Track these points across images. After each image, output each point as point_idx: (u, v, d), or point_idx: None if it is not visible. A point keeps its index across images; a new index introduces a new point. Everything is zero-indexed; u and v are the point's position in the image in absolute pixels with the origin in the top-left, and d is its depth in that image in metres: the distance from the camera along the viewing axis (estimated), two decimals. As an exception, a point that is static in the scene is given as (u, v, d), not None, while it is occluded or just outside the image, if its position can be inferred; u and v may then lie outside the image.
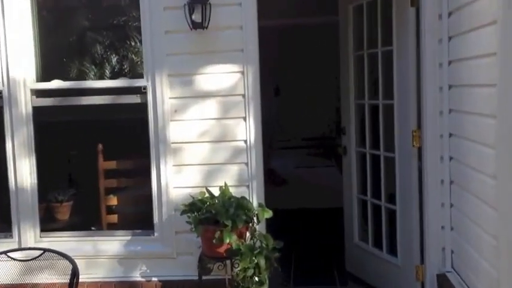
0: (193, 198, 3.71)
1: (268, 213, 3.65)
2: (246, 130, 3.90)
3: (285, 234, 3.96)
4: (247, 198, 3.81)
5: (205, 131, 3.93)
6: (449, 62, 3.72)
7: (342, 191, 4.99)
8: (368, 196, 4.54)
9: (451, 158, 3.75)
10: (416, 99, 3.97)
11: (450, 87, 3.73)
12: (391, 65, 4.20)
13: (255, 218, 3.64)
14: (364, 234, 4.67)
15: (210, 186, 3.83)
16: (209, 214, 3.56)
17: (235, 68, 3.88)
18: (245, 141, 3.91)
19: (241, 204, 3.60)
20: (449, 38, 3.68)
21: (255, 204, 3.79)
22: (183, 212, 3.66)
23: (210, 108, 3.92)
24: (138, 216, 4.50)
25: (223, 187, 3.73)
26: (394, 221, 4.23)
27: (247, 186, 3.93)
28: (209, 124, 3.92)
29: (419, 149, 3.97)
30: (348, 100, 4.77)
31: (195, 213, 3.63)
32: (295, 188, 8.48)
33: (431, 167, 3.83)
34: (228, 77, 3.89)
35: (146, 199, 4.07)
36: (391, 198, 4.30)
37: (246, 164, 3.92)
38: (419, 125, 3.96)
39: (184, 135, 3.96)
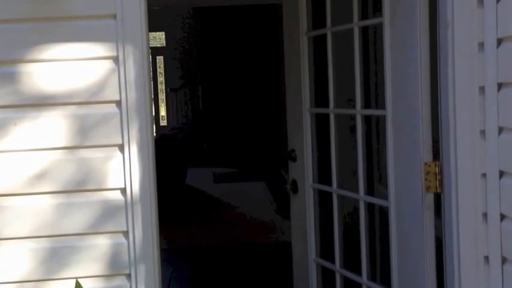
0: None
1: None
2: (124, 170, 2.03)
3: None
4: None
5: (43, 173, 2.01)
6: (499, 41, 2.03)
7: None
8: (336, 274, 2.80)
9: (502, 217, 2.06)
10: (431, 107, 2.26)
11: (501, 86, 2.04)
12: (379, 48, 2.48)
13: None
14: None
15: (52, 280, 1.98)
16: None
17: (101, 50, 2.00)
18: (123, 191, 2.05)
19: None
20: (499, -2, 2.00)
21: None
22: None
23: (52, 128, 2.01)
24: None
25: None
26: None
27: (128, 277, 2.06)
28: (50, 159, 2.02)
29: (438, 197, 2.26)
30: (298, 108, 3.00)
31: None
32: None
33: (466, 232, 2.11)
34: (87, 68, 2.01)
35: None
36: (383, 281, 2.56)
37: (125, 234, 2.05)
38: (436, 154, 2.25)
39: None
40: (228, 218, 6.92)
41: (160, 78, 14.95)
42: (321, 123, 2.98)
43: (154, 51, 15.24)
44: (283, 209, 6.76)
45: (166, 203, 7.36)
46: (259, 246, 5.81)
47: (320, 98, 2.97)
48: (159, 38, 15.06)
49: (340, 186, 2.83)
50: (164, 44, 14.42)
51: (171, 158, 7.32)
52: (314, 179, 3.00)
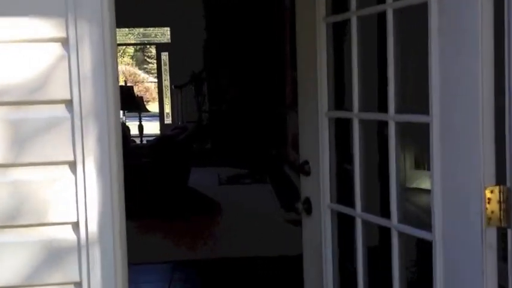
0: None
1: None
2: (76, 197, 1.47)
3: None
4: None
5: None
6: None
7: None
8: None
9: None
10: (494, 112, 1.69)
11: None
12: (422, 36, 1.91)
13: None
14: None
15: None
16: None
17: (43, 28, 1.45)
18: (75, 227, 1.48)
19: None
20: None
21: None
22: None
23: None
24: None
25: None
26: None
27: None
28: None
29: (503, 235, 1.69)
30: (312, 111, 2.44)
31: None
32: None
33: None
34: (24, 54, 1.45)
35: None
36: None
37: (78, 286, 1.49)
38: (502, 178, 1.68)
39: None
40: (230, 225, 6.36)
41: (165, 75, 14.40)
42: (341, 130, 2.41)
43: (160, 48, 14.71)
44: (293, 215, 6.23)
45: (166, 208, 6.85)
46: (265, 261, 5.25)
47: (341, 98, 2.41)
48: (164, 34, 14.51)
49: (365, 209, 2.27)
50: (169, 40, 13.86)
51: (171, 159, 6.78)
52: (332, 198, 2.43)
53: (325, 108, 2.38)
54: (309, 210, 2.54)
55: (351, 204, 2.30)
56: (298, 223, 5.85)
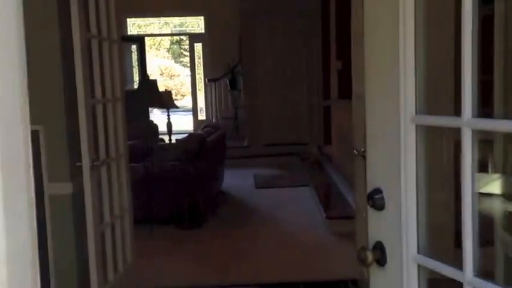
0: None
1: None
2: None
3: None
4: None
5: None
6: None
7: None
8: None
9: None
10: None
11: None
12: None
13: None
14: None
15: None
16: None
17: None
18: None
19: None
20: None
21: None
22: None
23: None
24: None
25: None
26: None
27: None
28: None
29: None
30: (388, 114, 1.61)
31: None
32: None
33: None
34: None
35: None
36: None
37: None
38: None
39: None
40: (267, 239, 5.56)
41: (199, 68, 13.66)
42: (436, 144, 1.57)
43: (193, 38, 13.97)
44: (339, 226, 5.42)
45: (193, 217, 6.10)
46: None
47: (435, 97, 1.57)
48: (197, 24, 13.75)
49: (479, 272, 1.42)
50: (203, 30, 13.11)
51: (200, 161, 6.01)
52: (420, 248, 1.59)
53: (412, 111, 1.54)
54: (382, 260, 1.71)
55: (456, 261, 1.46)
56: (345, 236, 4.93)
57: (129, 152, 7.97)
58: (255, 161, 10.02)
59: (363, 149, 3.41)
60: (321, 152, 9.18)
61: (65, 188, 3.44)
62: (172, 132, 8.69)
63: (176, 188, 5.94)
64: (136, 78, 12.74)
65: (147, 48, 13.50)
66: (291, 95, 10.46)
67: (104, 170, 3.50)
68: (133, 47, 12.83)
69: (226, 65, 12.14)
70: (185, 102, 14.78)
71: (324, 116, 9.20)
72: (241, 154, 10.22)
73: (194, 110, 13.90)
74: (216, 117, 12.49)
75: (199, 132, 6.48)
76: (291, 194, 7.57)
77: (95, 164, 3.24)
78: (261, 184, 8.16)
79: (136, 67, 12.82)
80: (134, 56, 12.84)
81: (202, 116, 13.74)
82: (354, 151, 3.78)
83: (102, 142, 3.51)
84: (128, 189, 3.89)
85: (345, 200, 6.16)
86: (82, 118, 3.17)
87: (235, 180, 8.44)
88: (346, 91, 8.42)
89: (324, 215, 5.66)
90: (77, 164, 3.29)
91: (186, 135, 7.42)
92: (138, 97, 5.63)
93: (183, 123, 14.28)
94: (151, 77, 13.45)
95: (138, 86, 5.73)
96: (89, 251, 3.18)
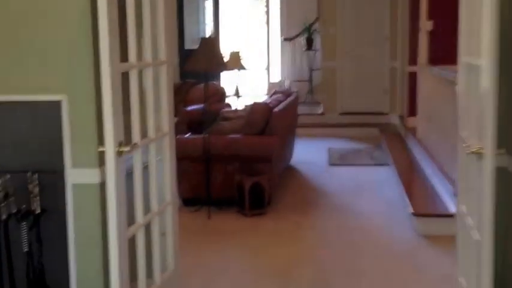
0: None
1: None
2: None
3: None
4: None
5: None
6: None
7: None
8: None
9: None
10: None
11: None
12: None
13: None
14: None
15: None
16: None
17: None
18: None
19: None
20: None
21: None
22: None
23: None
24: None
25: None
26: None
27: None
28: None
29: None
30: None
31: None
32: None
33: None
34: None
35: None
36: None
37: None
38: None
39: None
40: (337, 238, 4.72)
41: (273, 25, 12.68)
42: None
43: (269, -6, 12.98)
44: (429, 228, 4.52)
45: (254, 199, 5.31)
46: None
47: None
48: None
49: None
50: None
51: (264, 137, 5.21)
52: None
53: None
54: None
55: None
56: (438, 241, 4.02)
57: (189, 120, 7.32)
58: (330, 131, 9.11)
59: (478, 147, 2.49)
60: (403, 125, 8.16)
61: (92, 176, 2.71)
62: (242, 95, 7.92)
63: (237, 167, 5.17)
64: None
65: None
66: (371, 59, 9.41)
67: (138, 154, 2.74)
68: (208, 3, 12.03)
69: (302, 23, 11.15)
70: (257, 62, 13.95)
71: (409, 83, 8.11)
72: (315, 122, 9.33)
73: (268, 71, 13.02)
74: (291, 80, 11.59)
75: (266, 100, 5.62)
76: (369, 174, 6.65)
77: (121, 150, 2.47)
78: (335, 160, 7.28)
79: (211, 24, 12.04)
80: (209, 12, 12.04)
81: (276, 78, 12.86)
82: (463, 145, 2.85)
83: (137, 119, 2.74)
84: (172, 175, 3.13)
85: (433, 190, 5.18)
86: (107, 87, 2.40)
87: (307, 154, 7.60)
88: (437, 56, 7.34)
89: (410, 210, 4.71)
90: (99, 149, 2.54)
91: (250, 104, 6.61)
92: (196, 59, 4.83)
93: (254, 86, 13.43)
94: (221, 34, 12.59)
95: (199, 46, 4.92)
96: (111, 265, 2.45)
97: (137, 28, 2.70)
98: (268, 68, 13.11)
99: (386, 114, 9.41)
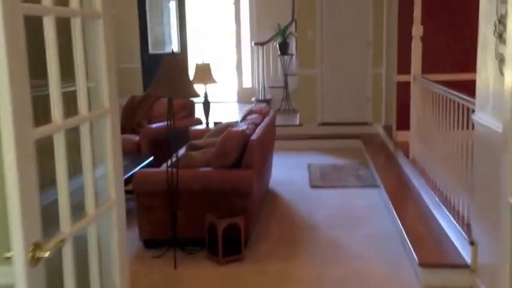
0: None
1: None
2: None
3: None
4: None
5: None
6: None
7: None
8: None
9: None
10: None
11: None
12: None
13: None
14: None
15: None
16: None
17: None
18: None
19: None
20: None
21: None
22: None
23: None
24: None
25: None
26: None
27: None
28: None
29: None
30: None
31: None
32: None
33: None
34: None
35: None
36: None
37: None
38: None
39: None
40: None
41: (244, 30, 11.89)
42: None
43: (239, -7, 12.17)
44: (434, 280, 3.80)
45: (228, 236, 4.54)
46: None
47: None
48: (244, -24, 11.96)
49: None
50: (251, -16, 11.36)
51: (238, 171, 4.44)
52: None
53: None
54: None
55: None
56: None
57: (152, 142, 6.49)
58: (309, 144, 8.37)
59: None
60: (391, 139, 7.44)
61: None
62: (213, 101, 7.17)
63: (209, 205, 4.39)
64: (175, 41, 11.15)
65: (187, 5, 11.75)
66: (352, 65, 8.67)
67: (69, 248, 1.94)
68: (173, 4, 11.19)
69: (275, 26, 10.40)
70: (225, 69, 13.08)
71: (397, 94, 7.37)
72: (292, 134, 8.58)
73: (239, 76, 12.25)
74: (264, 86, 10.82)
75: (242, 126, 4.82)
76: (356, 199, 5.92)
77: (38, 256, 1.67)
78: (317, 181, 6.52)
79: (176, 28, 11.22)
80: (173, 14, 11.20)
81: (247, 84, 12.09)
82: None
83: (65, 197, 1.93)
84: (122, 259, 2.34)
85: (441, 232, 4.42)
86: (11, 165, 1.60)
87: (285, 172, 6.85)
88: (433, 65, 6.62)
89: (416, 261, 3.94)
90: (5, 254, 1.73)
91: (223, 123, 5.82)
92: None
93: (224, 94, 12.61)
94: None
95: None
96: None
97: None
98: (238, 73, 12.33)
99: (370, 124, 8.70)
